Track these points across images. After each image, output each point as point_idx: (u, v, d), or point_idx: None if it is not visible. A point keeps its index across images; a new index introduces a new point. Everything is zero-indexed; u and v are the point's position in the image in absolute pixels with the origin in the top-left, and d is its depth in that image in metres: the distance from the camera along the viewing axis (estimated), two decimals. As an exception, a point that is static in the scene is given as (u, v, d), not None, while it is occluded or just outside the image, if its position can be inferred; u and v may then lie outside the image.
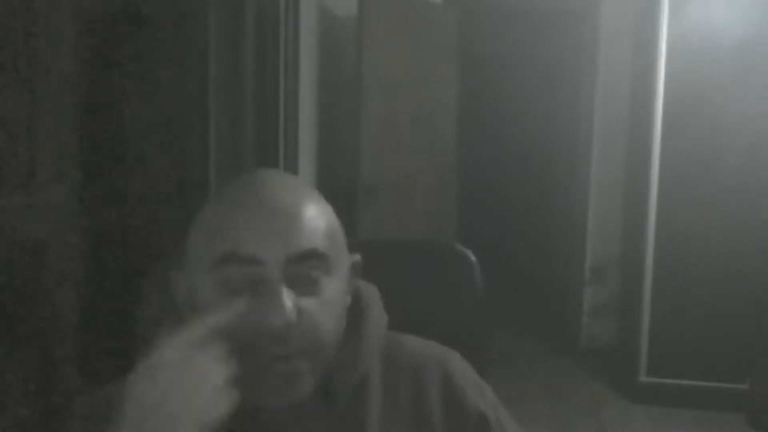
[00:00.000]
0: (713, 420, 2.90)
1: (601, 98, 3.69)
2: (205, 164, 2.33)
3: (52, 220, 1.68)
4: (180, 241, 0.69)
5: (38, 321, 1.65)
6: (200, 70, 2.31)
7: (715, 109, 2.93)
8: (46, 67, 1.64)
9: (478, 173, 5.18)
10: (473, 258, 0.96)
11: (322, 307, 0.64)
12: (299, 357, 0.63)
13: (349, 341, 0.70)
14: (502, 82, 5.39)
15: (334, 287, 0.66)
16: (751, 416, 2.88)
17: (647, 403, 3.05)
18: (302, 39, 2.83)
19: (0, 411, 1.52)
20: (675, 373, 3.05)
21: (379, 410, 0.70)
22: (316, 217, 0.66)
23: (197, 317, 0.62)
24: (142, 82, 2.36)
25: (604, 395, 3.22)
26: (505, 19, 4.93)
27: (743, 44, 2.88)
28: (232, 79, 2.37)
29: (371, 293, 0.75)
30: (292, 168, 2.72)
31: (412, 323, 0.76)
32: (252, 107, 2.45)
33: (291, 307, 0.61)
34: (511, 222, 5.38)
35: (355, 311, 0.72)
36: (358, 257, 0.74)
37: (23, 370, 1.60)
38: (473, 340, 0.91)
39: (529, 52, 5.16)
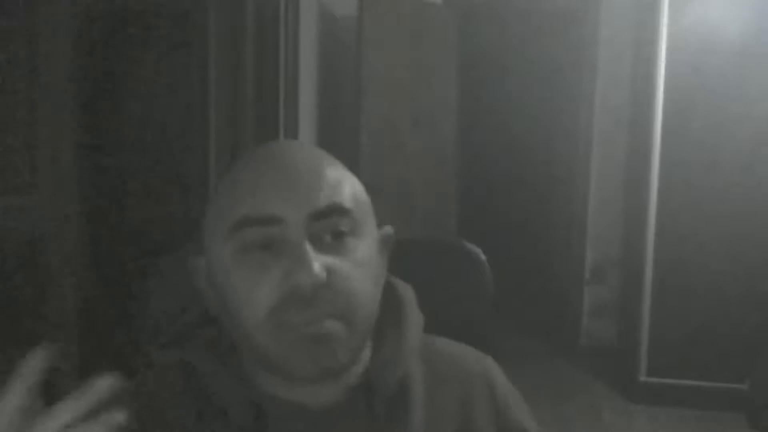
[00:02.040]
0: (713, 420, 2.91)
1: (601, 98, 3.69)
2: (205, 164, 2.33)
3: (52, 220, 1.68)
4: (184, 238, 0.68)
5: (38, 320, 1.65)
6: (200, 70, 2.31)
7: (715, 109, 2.93)
8: (46, 67, 1.64)
9: (478, 173, 5.18)
10: (483, 256, 0.95)
11: (353, 266, 0.60)
12: (330, 319, 0.58)
13: (390, 338, 0.67)
14: (502, 82, 5.39)
15: (364, 250, 0.62)
16: (751, 416, 2.88)
17: (647, 403, 3.05)
18: (302, 39, 2.83)
19: None
20: (675, 373, 3.05)
21: (422, 416, 0.66)
22: (339, 175, 0.63)
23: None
24: (141, 82, 2.36)
25: (604, 395, 3.22)
26: (505, 19, 4.93)
27: (743, 44, 2.88)
28: (232, 79, 2.37)
29: (407, 291, 0.72)
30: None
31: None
32: (252, 107, 2.45)
33: (318, 265, 0.57)
34: (511, 222, 5.38)
35: (393, 308, 0.69)
36: (389, 228, 0.69)
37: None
38: (482, 338, 0.90)
39: (529, 52, 5.16)
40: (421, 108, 3.39)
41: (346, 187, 0.63)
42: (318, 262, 0.57)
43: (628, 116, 3.55)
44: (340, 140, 3.42)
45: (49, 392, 0.51)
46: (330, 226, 0.60)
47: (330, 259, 0.58)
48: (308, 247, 0.57)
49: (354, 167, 2.84)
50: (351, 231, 0.61)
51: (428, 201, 3.47)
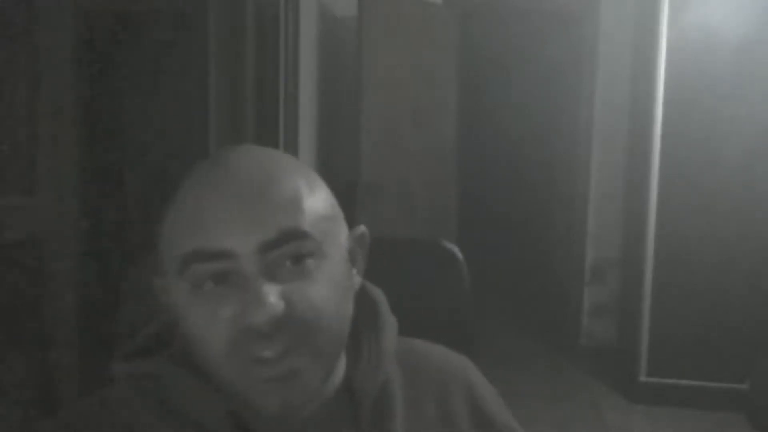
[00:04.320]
0: (713, 420, 2.91)
1: (601, 98, 3.69)
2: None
3: (52, 220, 1.68)
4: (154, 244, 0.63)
5: (38, 320, 1.65)
6: (200, 70, 2.31)
7: (715, 109, 2.93)
8: (46, 67, 1.64)
9: (478, 173, 5.18)
10: (460, 255, 0.95)
11: (316, 292, 0.56)
12: (295, 353, 0.54)
13: (368, 344, 0.66)
14: (502, 82, 5.39)
15: (329, 269, 0.57)
16: (751, 416, 2.88)
17: (647, 403, 3.05)
18: (302, 39, 2.83)
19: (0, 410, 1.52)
20: (675, 373, 3.05)
21: (404, 419, 0.65)
22: (295, 191, 0.57)
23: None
24: (142, 83, 2.36)
25: (604, 395, 3.22)
26: (505, 19, 4.93)
27: (743, 44, 2.88)
28: (232, 79, 2.37)
29: (379, 295, 0.70)
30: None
31: (399, 320, 0.74)
32: (252, 107, 2.45)
33: (274, 300, 0.53)
34: (511, 222, 5.38)
35: (368, 312, 0.68)
36: (362, 228, 0.66)
37: (23, 369, 1.60)
38: (461, 336, 0.91)
39: (529, 52, 5.16)
40: (421, 108, 3.39)
41: (305, 203, 0.57)
42: (274, 295, 0.53)
43: (628, 116, 3.55)
44: (340, 140, 3.42)
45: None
46: (287, 252, 0.55)
47: (290, 287, 0.55)
48: (262, 281, 0.54)
49: (354, 167, 2.85)
50: (312, 253, 0.56)
51: (428, 201, 3.46)
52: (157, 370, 0.61)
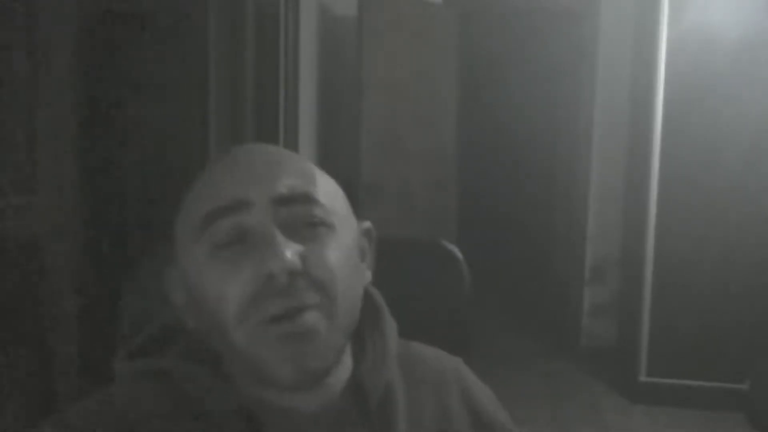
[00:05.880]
0: (713, 420, 2.91)
1: (601, 98, 3.69)
2: (205, 164, 2.32)
3: (52, 220, 1.68)
4: (164, 240, 0.64)
5: (38, 321, 1.65)
6: (200, 70, 2.31)
7: (715, 109, 2.93)
8: (46, 67, 1.64)
9: (478, 173, 5.18)
10: (460, 255, 0.95)
11: (330, 255, 0.58)
12: (310, 310, 0.56)
13: (372, 343, 0.67)
14: (502, 82, 5.39)
15: (341, 240, 0.60)
16: (751, 416, 2.88)
17: (647, 403, 3.05)
18: (302, 39, 2.83)
19: None
20: (675, 373, 3.05)
21: (406, 419, 0.66)
22: (310, 171, 0.62)
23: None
24: (141, 83, 2.36)
25: (604, 395, 3.22)
26: (505, 18, 4.93)
27: (743, 44, 2.88)
28: (232, 79, 2.37)
29: (379, 297, 0.72)
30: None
31: (399, 320, 0.75)
32: (252, 107, 2.45)
33: (290, 254, 0.54)
34: (511, 222, 5.38)
35: (370, 314, 0.70)
36: (368, 223, 0.69)
37: (23, 369, 1.60)
38: (460, 336, 0.91)
39: (529, 52, 5.16)
40: (421, 108, 3.39)
41: (318, 181, 0.61)
42: (290, 250, 0.55)
43: (628, 116, 3.55)
44: (340, 140, 3.42)
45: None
46: (300, 213, 0.58)
47: (305, 248, 0.56)
48: (278, 234, 0.55)
49: (354, 167, 2.84)
50: (324, 221, 0.59)
51: (428, 201, 3.47)
52: (169, 367, 0.61)
